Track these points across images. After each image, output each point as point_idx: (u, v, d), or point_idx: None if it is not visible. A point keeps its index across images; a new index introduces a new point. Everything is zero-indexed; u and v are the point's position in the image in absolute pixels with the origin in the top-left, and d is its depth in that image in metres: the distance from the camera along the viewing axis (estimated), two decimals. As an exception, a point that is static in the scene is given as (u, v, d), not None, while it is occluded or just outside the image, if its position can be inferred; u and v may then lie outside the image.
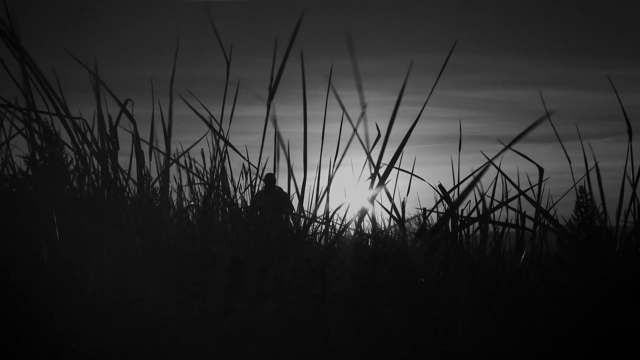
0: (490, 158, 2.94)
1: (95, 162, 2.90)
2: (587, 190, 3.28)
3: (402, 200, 3.87)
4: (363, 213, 2.69)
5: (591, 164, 3.22)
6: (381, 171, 2.87)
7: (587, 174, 3.19)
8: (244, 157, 3.24)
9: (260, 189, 4.26)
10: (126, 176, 3.01)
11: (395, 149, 3.03)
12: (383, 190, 3.40)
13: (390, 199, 3.16)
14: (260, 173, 3.37)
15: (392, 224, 3.63)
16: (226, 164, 3.49)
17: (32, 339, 2.02)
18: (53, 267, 2.17)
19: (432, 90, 2.47)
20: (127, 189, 3.05)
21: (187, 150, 3.88)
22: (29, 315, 2.06)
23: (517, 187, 3.49)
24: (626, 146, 3.16)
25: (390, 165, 2.55)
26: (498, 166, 3.65)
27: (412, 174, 3.70)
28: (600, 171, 3.24)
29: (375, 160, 2.92)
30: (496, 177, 3.78)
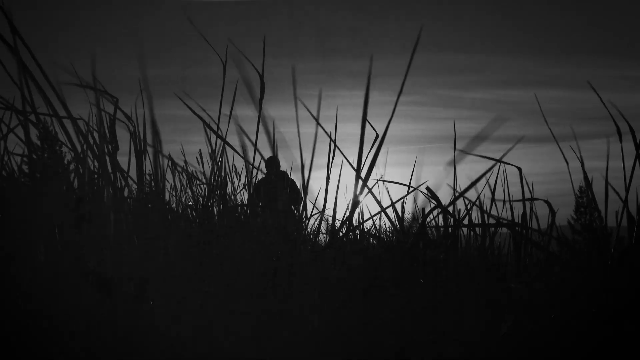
0: (491, 157, 2.94)
1: (95, 161, 2.91)
2: (587, 191, 3.28)
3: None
4: (355, 206, 2.69)
5: (588, 164, 3.22)
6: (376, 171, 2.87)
7: (585, 175, 3.19)
8: (241, 156, 3.25)
9: (260, 177, 3.92)
10: (125, 175, 3.01)
11: (396, 148, 3.02)
12: (382, 191, 3.39)
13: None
14: (257, 174, 3.36)
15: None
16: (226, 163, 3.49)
17: (30, 338, 2.02)
18: (51, 267, 2.17)
19: (403, 85, 2.47)
20: (126, 189, 3.05)
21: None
22: (27, 315, 2.06)
23: (490, 185, 3.50)
24: (625, 146, 3.16)
25: (371, 167, 2.55)
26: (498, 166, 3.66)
27: (410, 183, 3.70)
28: (601, 171, 3.24)
29: (368, 161, 2.92)
30: (496, 177, 3.79)
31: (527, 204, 3.48)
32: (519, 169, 3.21)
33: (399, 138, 3.11)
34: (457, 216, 3.33)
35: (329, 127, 3.31)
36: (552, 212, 3.11)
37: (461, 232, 3.87)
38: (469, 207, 3.42)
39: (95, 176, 2.83)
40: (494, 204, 3.70)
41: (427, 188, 3.13)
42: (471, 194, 4.13)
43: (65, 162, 2.70)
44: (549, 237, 3.01)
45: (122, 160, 3.07)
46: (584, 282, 2.51)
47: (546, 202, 3.26)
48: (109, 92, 3.02)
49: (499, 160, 3.12)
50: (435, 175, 3.95)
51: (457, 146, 3.56)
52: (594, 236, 2.83)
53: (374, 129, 2.88)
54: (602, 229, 2.78)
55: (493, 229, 3.43)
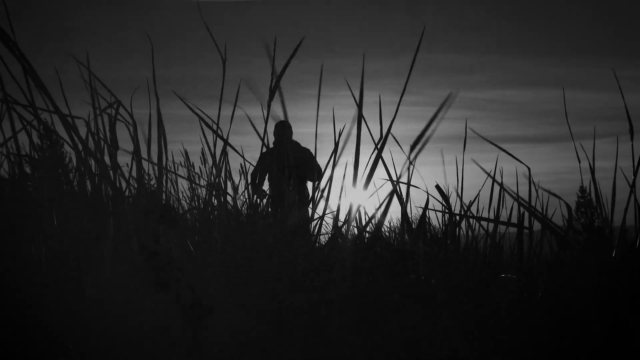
0: (489, 158, 2.95)
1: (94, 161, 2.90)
2: (588, 191, 3.27)
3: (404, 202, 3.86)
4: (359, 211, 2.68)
5: (589, 165, 3.22)
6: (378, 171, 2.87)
7: (592, 174, 3.19)
8: (243, 157, 3.24)
9: (268, 147, 3.37)
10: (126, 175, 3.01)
11: (396, 148, 3.02)
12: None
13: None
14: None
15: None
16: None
17: (29, 339, 2.02)
18: (51, 267, 2.17)
19: (405, 88, 2.46)
20: (127, 189, 3.04)
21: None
22: (26, 315, 2.06)
23: (496, 181, 3.49)
24: (626, 146, 3.16)
25: (373, 168, 2.55)
26: (495, 166, 3.66)
27: (412, 184, 3.69)
28: (601, 171, 3.24)
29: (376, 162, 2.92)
30: (494, 176, 3.78)
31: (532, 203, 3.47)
32: (528, 168, 3.21)
33: (398, 138, 3.11)
34: (458, 216, 3.33)
35: (329, 128, 3.31)
36: (570, 214, 3.10)
37: (462, 233, 3.86)
38: (470, 202, 3.42)
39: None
40: (495, 205, 3.70)
41: (437, 186, 3.12)
42: (474, 194, 4.12)
43: (66, 161, 2.70)
44: (566, 233, 3.00)
45: (123, 160, 3.07)
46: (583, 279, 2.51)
47: (566, 203, 3.25)
48: (107, 91, 3.02)
49: (519, 159, 3.11)
50: (436, 174, 3.95)
51: (453, 146, 3.56)
52: (595, 236, 2.82)
53: (369, 130, 2.87)
54: (602, 228, 2.77)
55: (498, 229, 3.42)
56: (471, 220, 3.45)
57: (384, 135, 2.84)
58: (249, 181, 3.39)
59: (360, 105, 2.43)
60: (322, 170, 3.08)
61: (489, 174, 3.27)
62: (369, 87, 2.88)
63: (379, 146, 2.73)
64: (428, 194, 3.25)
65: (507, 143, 3.26)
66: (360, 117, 2.46)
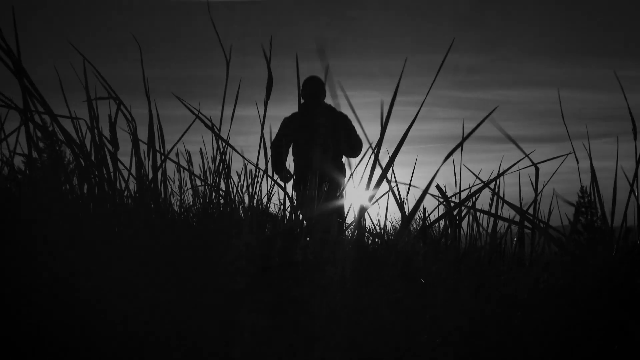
0: (490, 158, 2.94)
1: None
2: (588, 191, 3.27)
3: (401, 200, 3.86)
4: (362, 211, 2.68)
5: (588, 164, 3.22)
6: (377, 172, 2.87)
7: (592, 174, 3.19)
8: (243, 157, 3.24)
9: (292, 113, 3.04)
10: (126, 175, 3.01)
11: (396, 149, 3.02)
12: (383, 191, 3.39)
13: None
14: (259, 173, 3.33)
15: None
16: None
17: (29, 340, 2.02)
18: (51, 267, 2.17)
19: (429, 91, 2.46)
20: (127, 189, 3.04)
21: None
22: (26, 315, 2.06)
23: (489, 188, 3.49)
24: (625, 146, 3.16)
25: (386, 170, 2.55)
26: (499, 166, 3.67)
27: (410, 184, 3.69)
28: (601, 171, 3.24)
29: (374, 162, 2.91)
30: (498, 175, 3.78)
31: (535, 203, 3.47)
32: (537, 168, 3.21)
33: (395, 138, 3.10)
34: (459, 215, 3.33)
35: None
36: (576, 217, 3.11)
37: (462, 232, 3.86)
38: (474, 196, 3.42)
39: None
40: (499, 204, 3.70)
41: (437, 186, 3.12)
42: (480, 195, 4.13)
43: (66, 162, 2.70)
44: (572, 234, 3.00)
45: (123, 160, 3.07)
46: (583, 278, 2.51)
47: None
48: (107, 91, 3.02)
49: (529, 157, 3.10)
50: (438, 174, 3.95)
51: (452, 146, 3.58)
52: (595, 235, 2.82)
53: (366, 136, 2.85)
54: (602, 228, 2.77)
55: (500, 228, 3.43)
56: (471, 216, 3.46)
57: (383, 135, 2.84)
58: (270, 155, 3.04)
59: (391, 106, 2.42)
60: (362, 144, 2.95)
61: (484, 182, 3.26)
62: (366, 86, 2.87)
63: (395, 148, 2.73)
64: (431, 194, 3.25)
65: (507, 143, 3.26)
66: (388, 116, 2.45)
